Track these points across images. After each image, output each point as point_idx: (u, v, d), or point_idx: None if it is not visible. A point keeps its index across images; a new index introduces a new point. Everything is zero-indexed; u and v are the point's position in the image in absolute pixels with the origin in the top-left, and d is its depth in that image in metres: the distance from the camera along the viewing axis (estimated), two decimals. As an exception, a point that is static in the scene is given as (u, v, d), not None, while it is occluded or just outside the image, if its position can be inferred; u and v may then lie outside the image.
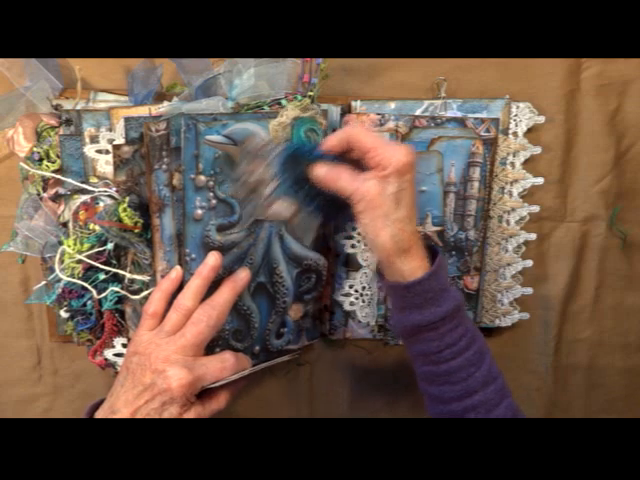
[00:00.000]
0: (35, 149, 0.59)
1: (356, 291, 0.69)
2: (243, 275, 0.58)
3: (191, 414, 0.51)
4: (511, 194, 0.69)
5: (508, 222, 0.70)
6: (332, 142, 0.57)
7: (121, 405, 0.51)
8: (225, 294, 0.56)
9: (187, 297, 0.54)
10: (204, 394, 0.53)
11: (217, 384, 0.53)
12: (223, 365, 0.53)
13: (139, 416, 0.50)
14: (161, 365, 0.51)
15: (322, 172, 0.56)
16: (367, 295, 0.68)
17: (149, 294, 0.56)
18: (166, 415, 0.50)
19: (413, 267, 0.54)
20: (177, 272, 0.56)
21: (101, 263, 0.57)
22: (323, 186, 0.56)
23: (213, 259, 0.55)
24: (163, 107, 0.56)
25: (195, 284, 0.55)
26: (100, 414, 0.51)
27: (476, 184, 0.67)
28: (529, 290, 0.72)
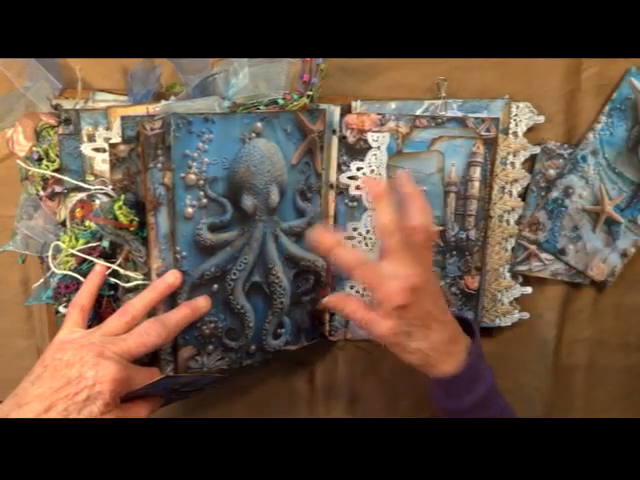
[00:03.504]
0: (34, 148, 0.59)
1: (357, 292, 0.69)
2: (203, 305, 0.57)
3: (112, 416, 0.48)
4: (511, 194, 0.69)
5: (508, 222, 0.70)
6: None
7: (31, 399, 0.47)
8: (180, 316, 0.55)
9: (136, 306, 0.53)
10: (125, 403, 0.51)
11: (141, 389, 0.51)
12: (152, 377, 0.51)
13: (54, 412, 0.46)
14: (94, 358, 0.48)
15: (333, 302, 0.58)
16: (368, 295, 0.68)
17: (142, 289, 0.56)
18: (86, 413, 0.47)
19: (448, 367, 0.56)
20: (100, 267, 0.56)
21: (95, 257, 0.57)
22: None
23: (173, 278, 0.55)
24: (159, 106, 0.56)
25: (148, 296, 0.54)
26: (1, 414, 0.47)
27: (477, 184, 0.67)
28: (529, 290, 0.72)
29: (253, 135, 0.57)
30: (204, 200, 0.56)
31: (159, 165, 0.54)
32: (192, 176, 0.54)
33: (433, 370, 0.57)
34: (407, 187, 0.56)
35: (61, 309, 0.59)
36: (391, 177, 0.64)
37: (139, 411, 0.52)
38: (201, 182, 0.55)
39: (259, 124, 0.57)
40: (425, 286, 0.54)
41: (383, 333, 0.55)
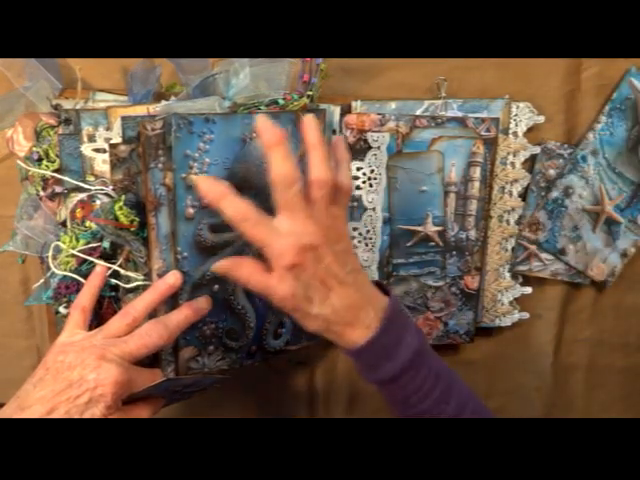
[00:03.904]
0: (34, 149, 0.59)
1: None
2: (204, 306, 0.56)
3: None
4: (511, 194, 0.69)
5: (508, 222, 0.70)
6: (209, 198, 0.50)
7: (33, 402, 0.47)
8: (181, 317, 0.54)
9: (137, 308, 0.53)
10: (127, 404, 0.50)
11: (143, 392, 0.51)
12: (154, 378, 0.51)
13: (55, 415, 0.46)
14: (95, 361, 0.48)
15: (225, 266, 0.51)
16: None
17: (143, 290, 0.56)
18: (87, 416, 0.47)
19: (357, 336, 0.51)
20: (101, 268, 0.56)
21: (96, 258, 0.57)
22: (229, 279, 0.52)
23: (173, 279, 0.54)
24: (159, 106, 0.56)
25: (149, 297, 0.54)
26: (2, 415, 0.47)
27: (477, 184, 0.67)
28: (529, 290, 0.72)
29: (254, 135, 0.57)
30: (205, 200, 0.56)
31: (160, 165, 0.54)
32: (193, 176, 0.54)
33: (341, 340, 0.52)
34: (309, 135, 0.51)
35: (61, 309, 0.59)
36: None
37: (141, 413, 0.52)
38: None
39: None
40: (323, 245, 0.50)
41: (281, 297, 0.50)
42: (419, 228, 0.67)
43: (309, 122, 0.51)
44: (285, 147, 0.49)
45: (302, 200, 0.50)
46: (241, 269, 0.51)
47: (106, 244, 0.57)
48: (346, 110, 0.65)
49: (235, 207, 0.49)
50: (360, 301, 0.52)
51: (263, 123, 0.49)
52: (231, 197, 0.49)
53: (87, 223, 0.57)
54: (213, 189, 0.49)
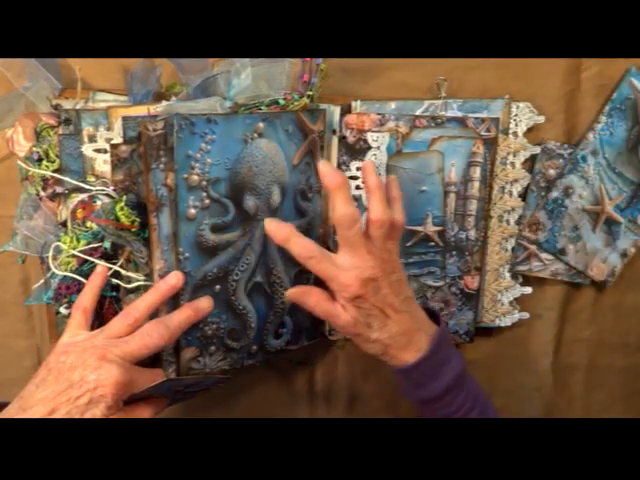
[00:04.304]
0: (34, 149, 0.59)
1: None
2: (206, 306, 0.57)
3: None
4: (511, 194, 0.70)
5: (508, 222, 0.70)
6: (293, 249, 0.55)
7: (35, 402, 0.47)
8: (182, 318, 0.55)
9: (138, 308, 0.53)
10: (128, 405, 0.51)
11: (144, 392, 0.51)
12: (155, 378, 0.51)
13: (56, 415, 0.46)
14: (96, 362, 0.48)
15: (296, 294, 0.58)
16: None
17: (144, 290, 0.56)
18: (88, 416, 0.47)
19: (409, 356, 0.57)
20: (102, 268, 0.56)
21: (96, 258, 0.57)
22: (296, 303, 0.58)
23: (175, 279, 0.55)
24: (160, 107, 0.56)
25: (150, 298, 0.54)
26: (5, 415, 0.48)
27: (477, 184, 0.67)
28: (529, 290, 0.72)
29: (255, 135, 0.57)
30: (207, 201, 0.56)
31: (161, 166, 0.54)
32: (195, 177, 0.54)
33: (394, 360, 0.57)
34: (369, 179, 0.56)
35: (62, 310, 0.58)
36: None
37: (143, 413, 0.52)
38: (204, 183, 0.55)
39: (261, 124, 0.57)
40: (381, 277, 0.55)
41: (343, 324, 0.56)
42: (419, 228, 0.67)
43: (369, 168, 0.57)
44: (346, 190, 0.54)
45: (362, 237, 0.55)
46: (310, 297, 0.57)
47: (107, 244, 0.57)
48: (346, 110, 0.65)
49: (302, 246, 0.54)
50: (413, 326, 0.57)
51: (325, 167, 0.54)
52: (297, 237, 0.54)
53: (88, 223, 0.57)
54: (281, 231, 0.54)
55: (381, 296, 0.55)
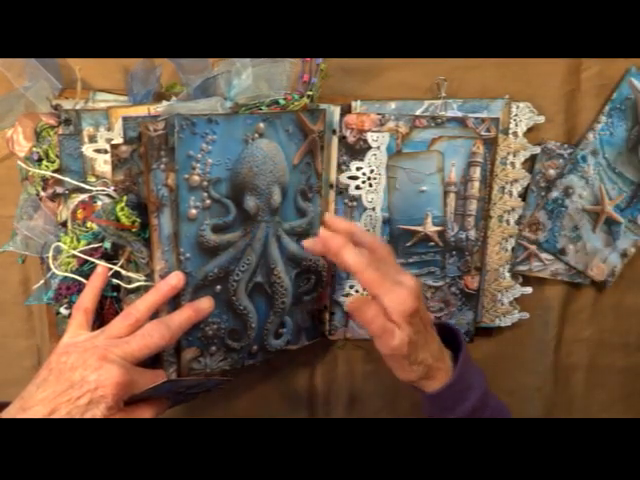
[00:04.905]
0: (34, 149, 0.59)
1: (357, 291, 0.69)
2: (206, 306, 0.56)
3: None
4: (511, 194, 0.70)
5: (508, 222, 0.70)
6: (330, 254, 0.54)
7: (35, 403, 0.47)
8: (183, 318, 0.54)
9: (139, 309, 0.53)
10: (129, 405, 0.51)
11: (145, 393, 0.50)
12: (156, 379, 0.51)
13: (57, 416, 0.46)
14: (97, 362, 0.48)
15: (354, 306, 0.55)
16: (368, 296, 0.68)
17: (145, 290, 0.56)
18: (88, 417, 0.47)
19: (440, 379, 0.56)
20: (103, 268, 0.56)
21: (97, 259, 0.57)
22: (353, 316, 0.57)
23: (176, 279, 0.55)
24: (161, 107, 0.56)
25: (151, 298, 0.54)
26: (5, 416, 0.48)
27: (476, 184, 0.67)
28: (529, 290, 0.72)
29: (256, 136, 0.57)
30: (207, 201, 0.56)
31: (162, 166, 0.54)
32: (196, 177, 0.54)
33: (429, 384, 0.56)
34: (339, 225, 0.57)
35: (62, 310, 0.59)
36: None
37: (144, 414, 0.52)
38: (205, 183, 0.55)
39: (262, 125, 0.57)
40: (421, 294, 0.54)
41: (398, 344, 0.53)
42: (419, 228, 0.67)
43: (330, 221, 0.58)
44: (350, 246, 0.53)
45: (380, 269, 0.53)
46: (369, 310, 0.53)
47: (107, 245, 0.56)
48: (346, 110, 0.65)
49: (355, 258, 0.53)
50: (441, 344, 0.57)
51: (325, 235, 0.54)
52: (350, 248, 0.53)
53: (88, 224, 0.57)
54: (334, 242, 0.53)
55: (423, 311, 0.54)
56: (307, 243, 0.57)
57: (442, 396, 0.56)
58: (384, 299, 0.52)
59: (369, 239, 0.57)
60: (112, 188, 0.57)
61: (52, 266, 0.58)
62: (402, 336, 0.52)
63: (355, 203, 0.66)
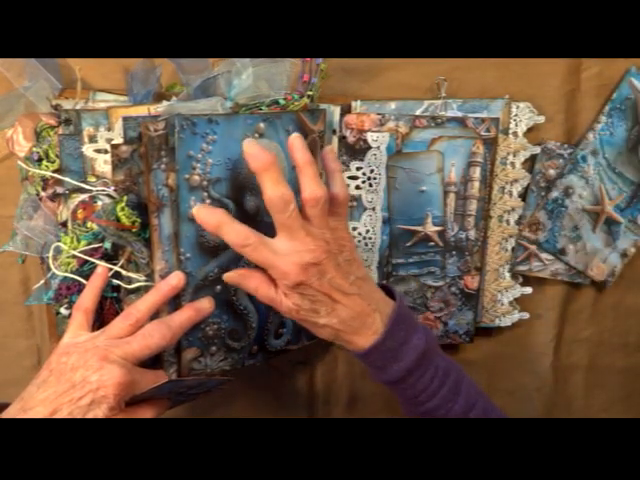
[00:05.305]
0: (34, 149, 0.59)
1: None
2: (207, 306, 0.56)
3: None
4: (511, 194, 0.70)
5: (508, 222, 0.70)
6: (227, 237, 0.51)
7: (36, 403, 0.47)
8: (184, 318, 0.54)
9: (139, 309, 0.53)
10: (130, 406, 0.51)
11: (146, 393, 0.51)
12: (157, 379, 0.51)
13: (59, 416, 0.46)
14: (98, 362, 0.48)
15: (234, 277, 0.54)
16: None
17: (145, 291, 0.56)
18: (90, 417, 0.47)
19: (364, 341, 0.54)
20: (103, 269, 0.56)
21: (97, 259, 0.57)
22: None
23: (176, 280, 0.54)
24: (161, 107, 0.56)
25: (151, 299, 0.54)
26: (5, 417, 0.48)
27: (476, 184, 0.67)
28: (529, 290, 0.72)
29: (256, 136, 0.57)
30: (208, 201, 0.55)
31: (163, 166, 0.54)
32: (196, 177, 0.54)
33: (350, 345, 0.55)
34: (297, 155, 0.52)
35: (62, 310, 0.59)
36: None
37: (145, 414, 0.52)
38: (205, 183, 0.55)
39: (262, 125, 0.57)
40: (325, 260, 0.51)
41: (285, 311, 0.53)
42: (419, 228, 0.67)
43: (295, 142, 0.52)
44: (275, 170, 0.50)
45: (299, 218, 0.51)
46: (250, 281, 0.53)
47: (107, 245, 0.57)
48: (346, 110, 0.65)
49: (236, 233, 0.50)
50: (366, 308, 0.54)
51: (250, 148, 0.50)
52: (230, 223, 0.51)
53: (88, 224, 0.57)
54: (211, 218, 0.51)
55: (326, 280, 0.52)
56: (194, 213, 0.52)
57: (369, 357, 0.54)
58: (271, 273, 0.52)
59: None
60: (112, 188, 0.57)
61: (52, 266, 0.58)
62: (288, 304, 0.52)
63: (355, 203, 0.66)
